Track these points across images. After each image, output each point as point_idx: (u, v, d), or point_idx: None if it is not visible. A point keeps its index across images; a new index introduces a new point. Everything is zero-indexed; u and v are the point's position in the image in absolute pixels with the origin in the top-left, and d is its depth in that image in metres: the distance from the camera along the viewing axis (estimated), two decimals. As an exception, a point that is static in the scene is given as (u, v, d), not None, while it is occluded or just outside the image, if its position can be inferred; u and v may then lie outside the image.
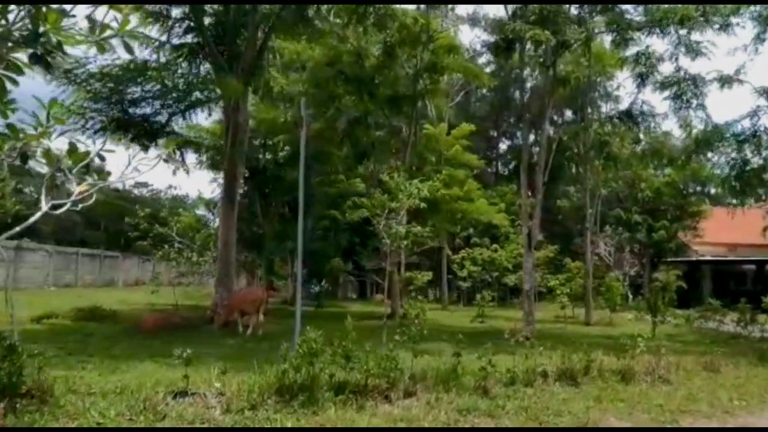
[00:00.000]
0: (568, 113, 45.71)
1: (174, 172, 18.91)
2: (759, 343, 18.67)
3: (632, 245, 39.48)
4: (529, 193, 23.23)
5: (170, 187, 64.05)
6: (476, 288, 37.50)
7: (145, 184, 62.59)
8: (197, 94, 17.48)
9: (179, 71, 17.19)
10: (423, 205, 14.50)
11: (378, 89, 28.77)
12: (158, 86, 16.23)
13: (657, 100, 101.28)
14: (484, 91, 52.51)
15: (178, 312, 21.94)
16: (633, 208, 39.40)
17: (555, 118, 42.06)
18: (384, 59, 28.12)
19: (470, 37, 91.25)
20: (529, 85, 31.71)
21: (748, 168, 21.43)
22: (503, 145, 60.08)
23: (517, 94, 45.13)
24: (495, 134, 57.26)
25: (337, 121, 31.09)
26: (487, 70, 45.47)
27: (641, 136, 27.55)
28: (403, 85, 29.35)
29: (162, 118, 17.10)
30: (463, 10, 50.77)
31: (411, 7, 29.05)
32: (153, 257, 31.75)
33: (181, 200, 56.83)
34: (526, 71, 25.77)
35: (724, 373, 13.47)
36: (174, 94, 16.20)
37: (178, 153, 17.97)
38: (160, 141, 18.15)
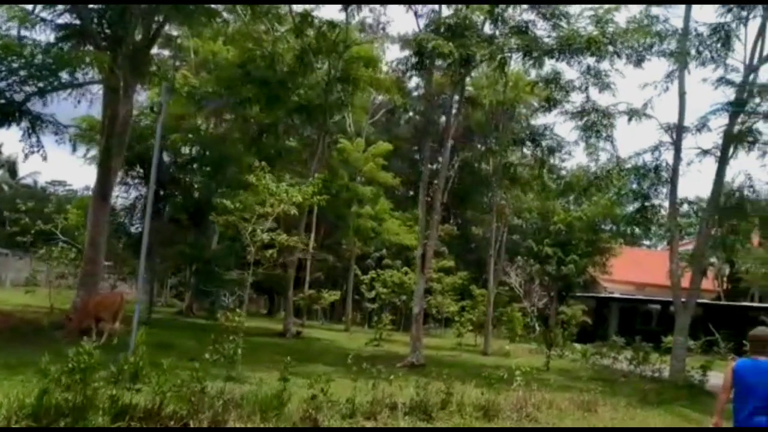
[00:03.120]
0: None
1: (26, 156, 17.09)
2: (647, 383, 18.08)
3: (542, 277, 39.21)
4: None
5: (54, 182, 60.55)
6: (384, 310, 36.42)
7: (62, 183, 59.78)
8: (66, 75, 15.82)
9: (43, 48, 15.46)
10: (294, 211, 13.27)
11: (290, 96, 27.59)
12: (20, 62, 14.56)
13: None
14: (411, 113, 52.00)
15: (53, 314, 20.06)
16: (545, 240, 39.20)
17: (477, 143, 41.72)
18: (297, 65, 26.97)
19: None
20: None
21: (647, 203, 21.16)
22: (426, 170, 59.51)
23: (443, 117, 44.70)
24: (418, 157, 56.68)
25: (247, 126, 29.83)
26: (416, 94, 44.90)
27: (554, 162, 27.46)
28: (316, 94, 28.25)
29: (19, 96, 15.37)
30: (395, 30, 50.35)
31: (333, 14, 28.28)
32: (31, 255, 29.56)
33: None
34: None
35: (600, 414, 12.73)
36: (34, 71, 14.53)
37: (33, 135, 16.08)
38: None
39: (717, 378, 21.37)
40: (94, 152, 29.81)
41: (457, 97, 21.58)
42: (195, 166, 31.91)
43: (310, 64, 27.11)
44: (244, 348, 14.57)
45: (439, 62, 20.66)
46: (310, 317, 41.57)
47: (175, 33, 35.89)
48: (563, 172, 38.44)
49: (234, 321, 9.28)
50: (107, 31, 18.59)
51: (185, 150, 32.16)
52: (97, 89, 19.12)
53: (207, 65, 32.69)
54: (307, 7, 26.55)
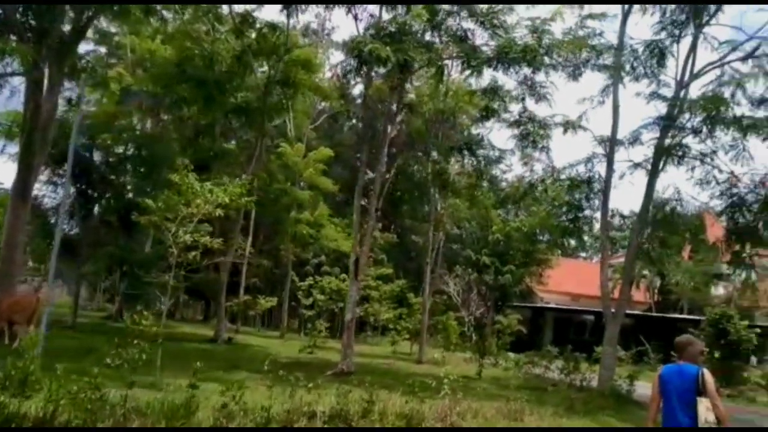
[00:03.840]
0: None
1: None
2: (576, 392, 18.22)
3: (480, 287, 39.39)
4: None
5: None
6: (321, 318, 35.99)
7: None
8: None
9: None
10: (219, 212, 12.83)
11: (228, 97, 27.04)
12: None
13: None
14: (354, 120, 51.76)
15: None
16: (483, 250, 39.43)
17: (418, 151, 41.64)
18: (237, 66, 26.47)
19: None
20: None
21: (580, 215, 21.42)
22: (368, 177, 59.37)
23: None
24: (361, 165, 56.39)
25: (184, 126, 29.12)
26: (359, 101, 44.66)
27: (494, 174, 27.69)
28: (255, 96, 27.76)
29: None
30: (340, 36, 49.94)
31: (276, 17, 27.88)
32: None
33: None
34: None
35: (526, 422, 12.66)
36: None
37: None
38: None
39: (644, 388, 21.82)
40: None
41: (395, 104, 21.33)
42: (129, 166, 31.00)
43: (249, 66, 26.65)
44: (170, 354, 14.11)
45: (380, 70, 20.61)
46: (246, 323, 40.91)
47: (113, 30, 34.98)
48: (503, 184, 38.90)
49: (141, 324, 8.76)
50: (32, 23, 17.79)
51: (119, 149, 31.15)
52: (20, 81, 18.30)
53: (144, 63, 31.80)
54: (248, 7, 26.15)
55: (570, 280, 46.24)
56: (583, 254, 63.68)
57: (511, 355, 28.53)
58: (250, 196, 28.73)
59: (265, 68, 27.60)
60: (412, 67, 18.59)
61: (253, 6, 26.28)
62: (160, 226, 13.70)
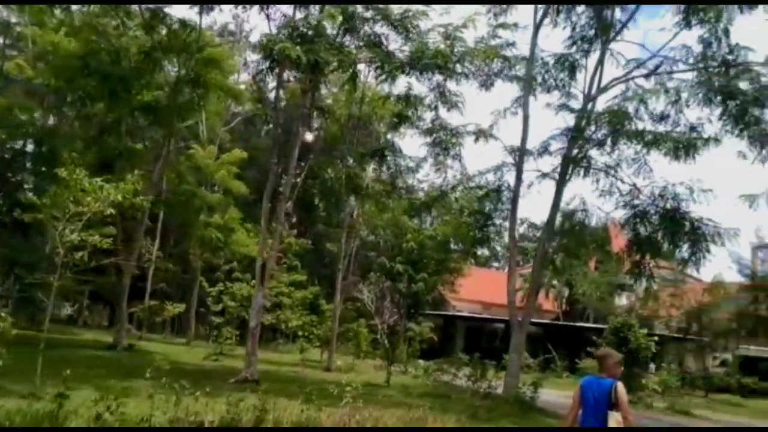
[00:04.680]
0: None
1: None
2: (481, 399, 18.25)
3: (393, 294, 39.35)
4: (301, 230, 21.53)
5: None
6: (231, 324, 35.00)
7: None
8: None
9: None
10: (112, 210, 12.10)
11: (135, 94, 25.97)
12: None
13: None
14: (271, 124, 50.99)
15: None
16: (397, 258, 39.47)
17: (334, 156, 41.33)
18: (145, 62, 25.45)
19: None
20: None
21: (489, 222, 21.61)
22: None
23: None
24: (279, 170, 55.64)
25: (88, 123, 27.81)
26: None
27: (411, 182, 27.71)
28: (165, 94, 26.78)
29: None
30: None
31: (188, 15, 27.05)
32: None
33: None
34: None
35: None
36: None
37: None
38: None
39: (549, 395, 22.20)
40: None
41: (308, 106, 20.97)
42: (28, 163, 29.36)
43: (158, 63, 25.71)
44: (61, 362, 13.19)
45: (294, 73, 20.24)
46: (153, 330, 39.42)
47: (14, 20, 33.22)
48: (420, 194, 39.06)
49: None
50: None
51: (15, 145, 29.46)
52: None
53: (47, 57, 30.22)
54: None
55: (482, 288, 46.89)
56: (496, 264, 64.94)
57: (422, 362, 28.54)
58: (158, 197, 27.93)
59: (177, 66, 26.63)
60: (324, 68, 18.24)
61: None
62: (47, 225, 12.83)
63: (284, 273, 36.41)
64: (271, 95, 41.14)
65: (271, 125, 48.23)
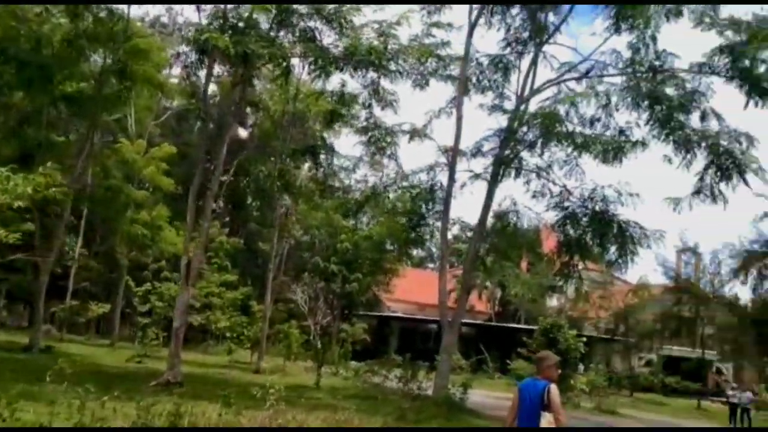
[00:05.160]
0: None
1: None
2: (411, 400, 18.05)
3: (327, 295, 38.97)
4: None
5: None
6: (158, 325, 33.96)
7: None
8: None
9: None
10: (19, 203, 11.37)
11: (58, 84, 24.78)
12: None
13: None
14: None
15: None
16: (332, 258, 39.07)
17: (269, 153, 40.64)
18: (68, 51, 24.32)
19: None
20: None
21: (422, 222, 21.49)
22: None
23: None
24: (211, 167, 54.44)
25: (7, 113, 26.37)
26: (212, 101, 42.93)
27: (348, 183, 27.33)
28: (90, 85, 25.66)
29: None
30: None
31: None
32: None
33: None
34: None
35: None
36: None
37: None
38: None
39: (479, 396, 22.24)
40: None
41: (238, 101, 20.43)
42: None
43: (83, 52, 24.63)
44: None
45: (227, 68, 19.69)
46: (75, 331, 37.90)
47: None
48: (357, 194, 38.73)
49: None
50: None
51: None
52: None
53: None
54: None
55: (417, 289, 46.89)
56: (432, 265, 65.09)
57: (354, 364, 28.28)
58: (82, 192, 26.76)
59: (103, 56, 25.57)
60: (255, 61, 17.75)
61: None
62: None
63: (215, 273, 35.59)
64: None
65: (206, 122, 47.23)
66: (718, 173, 18.75)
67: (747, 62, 18.53)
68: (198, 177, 19.46)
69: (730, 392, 29.44)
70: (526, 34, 21.46)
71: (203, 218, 19.62)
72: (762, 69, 19.13)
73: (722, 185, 18.78)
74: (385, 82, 20.32)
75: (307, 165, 28.06)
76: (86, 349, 28.01)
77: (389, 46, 17.85)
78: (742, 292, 49.98)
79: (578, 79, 21.19)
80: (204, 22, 19.13)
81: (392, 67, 18.93)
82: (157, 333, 28.63)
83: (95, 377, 16.00)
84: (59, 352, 24.74)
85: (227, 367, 25.36)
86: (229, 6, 18.95)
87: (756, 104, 18.36)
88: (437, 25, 19.93)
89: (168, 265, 37.50)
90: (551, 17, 21.24)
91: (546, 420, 6.34)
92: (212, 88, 43.49)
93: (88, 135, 25.57)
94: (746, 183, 18.49)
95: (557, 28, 21.21)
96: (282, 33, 19.66)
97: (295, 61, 21.37)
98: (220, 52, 17.21)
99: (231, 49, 15.97)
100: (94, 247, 38.46)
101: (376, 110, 21.83)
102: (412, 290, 46.47)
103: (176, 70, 34.57)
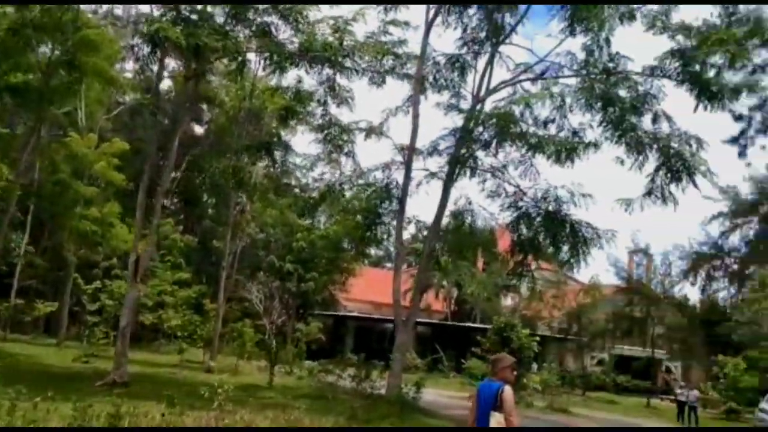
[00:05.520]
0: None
1: None
2: (363, 400, 17.93)
3: (283, 294, 38.55)
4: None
5: None
6: (108, 324, 33.16)
7: None
8: None
9: None
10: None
11: (2, 75, 24.01)
12: None
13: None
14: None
15: None
16: (288, 257, 38.72)
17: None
18: (14, 40, 23.56)
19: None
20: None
21: (378, 221, 21.39)
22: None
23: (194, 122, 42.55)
24: (163, 163, 53.47)
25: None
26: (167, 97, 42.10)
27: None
28: (37, 77, 24.92)
29: None
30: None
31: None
32: None
33: None
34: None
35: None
36: None
37: None
38: None
39: (433, 395, 22.26)
40: None
41: (191, 95, 20.03)
42: None
43: (29, 42, 23.89)
44: None
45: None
46: (21, 330, 36.76)
47: None
48: (315, 193, 38.44)
49: None
50: None
51: None
52: None
53: None
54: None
55: (374, 288, 46.79)
56: (389, 264, 65.06)
57: (309, 363, 28.04)
58: (28, 186, 25.95)
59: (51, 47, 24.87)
60: (209, 55, 17.42)
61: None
62: None
63: (168, 271, 34.91)
64: (161, 85, 39.72)
65: (160, 117, 46.39)
66: (669, 175, 19.03)
67: (697, 66, 18.89)
68: (148, 172, 19.02)
69: (678, 390, 30.08)
70: (482, 34, 21.50)
71: (154, 215, 19.17)
72: (711, 73, 19.57)
73: (672, 187, 19.07)
74: (341, 79, 20.15)
75: (263, 163, 27.72)
76: (31, 349, 27.22)
77: (345, 43, 17.71)
78: (692, 293, 51.15)
79: (533, 80, 21.36)
80: (157, 13, 18.75)
81: (348, 63, 18.79)
82: (107, 332, 27.94)
83: (37, 377, 15.54)
84: (1, 351, 24.02)
85: (178, 366, 24.83)
86: None
87: (705, 108, 18.76)
88: (393, 23, 19.83)
89: (119, 262, 36.63)
90: (508, 18, 21.32)
91: (495, 420, 6.39)
92: (168, 83, 43.03)
93: (35, 128, 24.85)
94: (695, 185, 18.82)
95: (513, 29, 21.28)
96: (238, 27, 19.36)
97: (251, 57, 21.15)
98: (172, 44, 16.80)
99: (182, 42, 15.62)
100: (42, 243, 37.45)
101: (333, 108, 21.69)
102: (369, 290, 46.36)
103: (131, 64, 34.15)
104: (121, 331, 17.63)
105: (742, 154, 49.61)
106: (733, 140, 47.41)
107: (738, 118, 24.69)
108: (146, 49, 19.02)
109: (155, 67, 21.66)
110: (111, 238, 32.05)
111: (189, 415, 10.38)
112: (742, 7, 19.78)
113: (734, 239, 52.57)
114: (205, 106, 40.00)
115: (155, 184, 20.49)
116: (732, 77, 19.43)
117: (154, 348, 34.63)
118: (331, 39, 17.34)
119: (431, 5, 21.26)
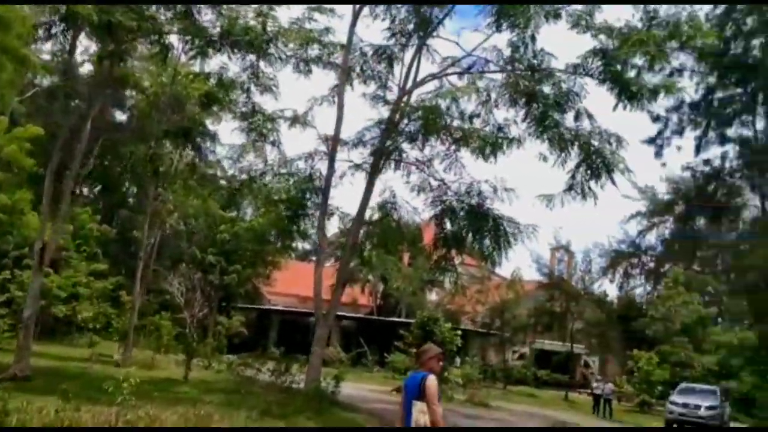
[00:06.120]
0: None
1: None
2: (278, 394, 17.55)
3: (204, 287, 37.64)
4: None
5: None
6: (17, 315, 31.55)
7: None
8: None
9: None
10: None
11: None
12: None
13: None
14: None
15: None
16: (210, 248, 37.82)
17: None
18: None
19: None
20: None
21: (301, 213, 21.02)
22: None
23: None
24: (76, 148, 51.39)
25: None
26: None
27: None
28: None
29: None
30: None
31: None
32: None
33: None
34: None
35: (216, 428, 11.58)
36: None
37: None
38: None
39: (354, 389, 22.06)
40: None
41: (105, 77, 19.15)
42: None
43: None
44: None
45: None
46: None
47: None
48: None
49: None
50: None
51: None
52: None
53: None
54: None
55: (299, 282, 46.17)
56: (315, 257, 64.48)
57: (229, 357, 27.43)
58: None
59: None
60: (123, 35, 16.62)
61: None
62: None
63: (83, 261, 33.60)
64: (81, 69, 38.01)
65: (77, 101, 44.49)
66: (589, 171, 19.32)
67: (618, 66, 19.25)
68: (56, 156, 18.09)
69: (594, 384, 30.91)
70: (410, 27, 21.34)
71: (64, 201, 18.25)
72: (632, 74, 20.01)
73: (592, 183, 19.35)
74: (265, 67, 19.66)
75: (186, 151, 26.89)
76: None
77: (268, 28, 17.23)
78: (610, 290, 52.73)
79: (460, 74, 21.34)
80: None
81: (272, 50, 18.32)
82: (14, 324, 26.53)
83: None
84: None
85: (90, 360, 23.83)
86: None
87: (624, 107, 19.12)
88: (319, 10, 19.46)
89: (31, 252, 34.98)
90: (436, 11, 21.24)
91: (417, 409, 6.33)
92: (90, 68, 41.25)
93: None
94: (614, 182, 19.17)
95: (440, 22, 21.23)
96: (156, 7, 18.59)
97: (174, 41, 20.37)
98: (86, 22, 15.97)
99: (94, 18, 14.83)
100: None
101: (257, 96, 21.17)
102: (295, 283, 45.73)
103: (49, 45, 32.48)
104: (24, 322, 16.69)
105: (658, 154, 51.51)
106: (651, 140, 49.05)
107: (655, 119, 25.47)
108: (59, 27, 18.19)
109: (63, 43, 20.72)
110: (22, 227, 30.57)
111: (88, 411, 9.81)
112: (662, 11, 20.36)
113: (651, 238, 54.82)
114: (127, 92, 38.59)
115: (68, 170, 19.51)
116: (651, 78, 19.97)
117: (67, 341, 33.24)
118: (253, 23, 16.86)
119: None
